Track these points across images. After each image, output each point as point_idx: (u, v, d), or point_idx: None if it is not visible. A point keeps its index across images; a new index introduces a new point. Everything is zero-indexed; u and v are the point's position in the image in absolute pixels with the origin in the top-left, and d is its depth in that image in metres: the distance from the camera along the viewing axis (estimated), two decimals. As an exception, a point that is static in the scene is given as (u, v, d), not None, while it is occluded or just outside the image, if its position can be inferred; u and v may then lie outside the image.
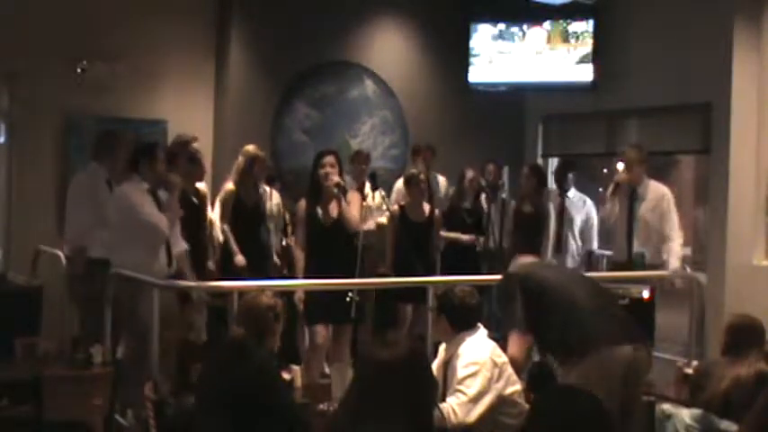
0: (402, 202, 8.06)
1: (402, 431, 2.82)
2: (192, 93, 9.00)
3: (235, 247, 7.27)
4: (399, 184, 8.71)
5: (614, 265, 7.92)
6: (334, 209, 6.69)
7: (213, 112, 9.14)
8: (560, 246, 8.53)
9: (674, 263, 7.52)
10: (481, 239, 8.46)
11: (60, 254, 6.93)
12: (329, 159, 6.71)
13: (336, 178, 6.66)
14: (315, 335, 6.69)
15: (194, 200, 7.05)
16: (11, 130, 8.33)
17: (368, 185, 8.19)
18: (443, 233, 8.27)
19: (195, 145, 7.56)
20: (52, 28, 8.24)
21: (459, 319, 4.71)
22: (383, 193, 7.91)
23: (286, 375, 4.85)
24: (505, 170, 9.00)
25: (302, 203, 6.80)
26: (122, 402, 5.67)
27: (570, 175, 8.72)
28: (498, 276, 5.23)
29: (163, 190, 6.34)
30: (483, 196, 8.68)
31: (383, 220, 8.11)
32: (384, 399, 2.86)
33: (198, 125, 8.71)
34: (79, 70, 8.34)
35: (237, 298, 5.47)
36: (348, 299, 6.49)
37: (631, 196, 7.77)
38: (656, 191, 7.78)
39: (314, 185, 6.73)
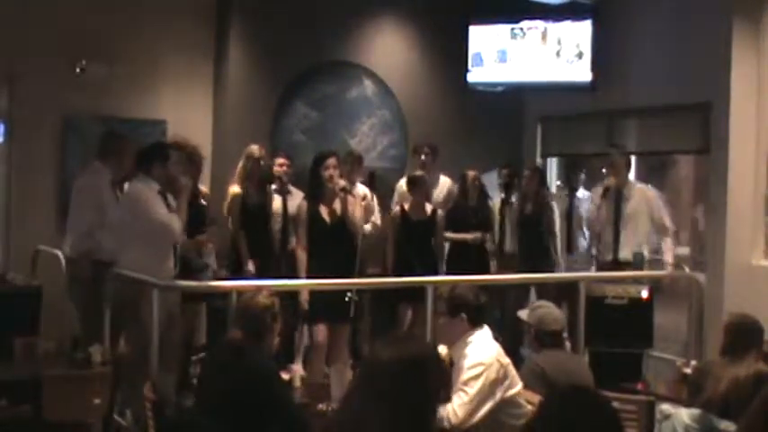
0: (404, 203, 8.05)
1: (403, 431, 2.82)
2: (191, 93, 8.99)
3: (245, 251, 7.29)
4: (400, 184, 8.69)
5: (602, 265, 8.04)
6: (336, 209, 6.71)
7: (212, 112, 9.12)
8: (571, 246, 8.57)
9: (668, 259, 7.90)
10: (487, 235, 8.45)
11: (59, 254, 6.92)
12: (332, 161, 6.75)
13: (342, 182, 6.76)
14: (316, 333, 6.70)
15: (203, 201, 7.05)
16: (11, 130, 8.33)
17: (362, 186, 8.20)
18: (449, 234, 8.24)
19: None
20: (52, 28, 8.24)
21: (477, 316, 4.62)
22: (371, 193, 7.96)
23: (285, 375, 4.84)
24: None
25: (303, 204, 6.82)
26: (121, 402, 5.67)
27: (581, 175, 8.90)
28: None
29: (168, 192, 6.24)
30: (496, 199, 8.72)
31: (368, 227, 8.08)
32: (385, 399, 2.85)
33: (197, 125, 8.71)
34: (78, 70, 8.33)
35: (237, 298, 5.47)
36: (347, 299, 6.51)
37: (618, 198, 8.04)
38: (641, 192, 8.15)
39: (315, 185, 6.74)
